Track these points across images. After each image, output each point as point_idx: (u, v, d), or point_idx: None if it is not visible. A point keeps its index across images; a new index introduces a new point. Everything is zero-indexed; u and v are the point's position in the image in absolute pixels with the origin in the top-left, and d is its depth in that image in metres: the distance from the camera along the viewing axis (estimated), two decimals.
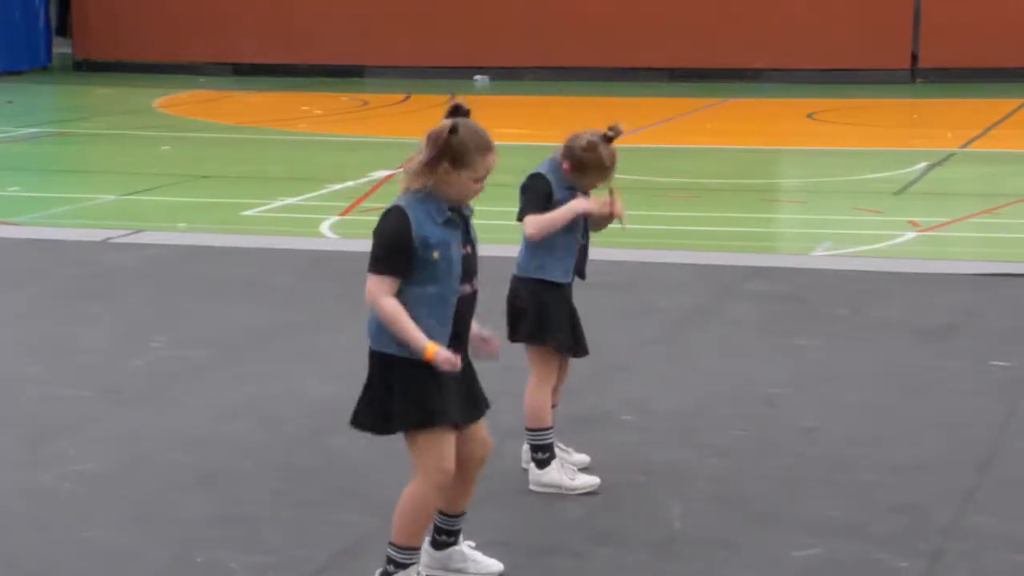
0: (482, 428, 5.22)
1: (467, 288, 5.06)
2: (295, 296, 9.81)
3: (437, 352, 4.93)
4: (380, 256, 4.99)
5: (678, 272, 10.58)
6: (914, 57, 26.49)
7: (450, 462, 5.05)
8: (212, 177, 16.11)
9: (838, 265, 10.94)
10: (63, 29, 31.60)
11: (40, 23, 29.64)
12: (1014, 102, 22.68)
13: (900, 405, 7.41)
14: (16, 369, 8.07)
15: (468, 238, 5.09)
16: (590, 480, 6.19)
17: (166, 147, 18.81)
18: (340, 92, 25.53)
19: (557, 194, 6.16)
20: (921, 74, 26.37)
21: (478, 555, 5.43)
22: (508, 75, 26.32)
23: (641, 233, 12.56)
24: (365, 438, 6.82)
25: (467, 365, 5.13)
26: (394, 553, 5.16)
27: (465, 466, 5.18)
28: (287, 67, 27.84)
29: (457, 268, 5.01)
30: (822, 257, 11.40)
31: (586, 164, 6.12)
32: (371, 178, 15.35)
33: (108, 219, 13.17)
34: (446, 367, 4.93)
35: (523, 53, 26.57)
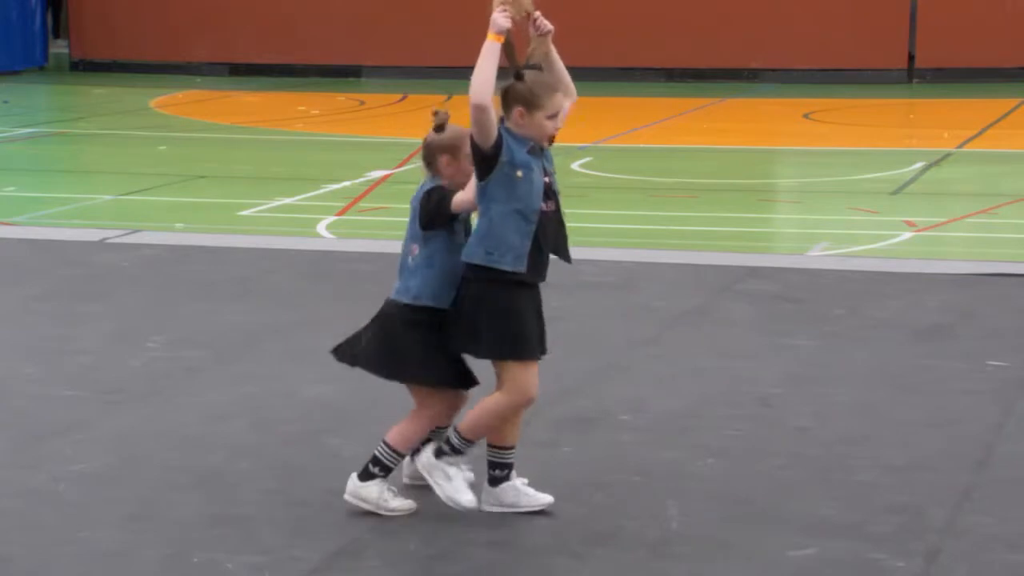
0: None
1: (547, 206, 5.70)
2: (292, 296, 9.81)
3: (493, 20, 5.73)
4: None
5: (674, 272, 10.58)
6: (911, 57, 26.49)
7: (534, 388, 5.71)
8: (209, 177, 16.11)
9: (834, 265, 10.94)
10: (55, 30, 31.56)
11: (36, 23, 29.62)
12: (1011, 102, 22.68)
13: (896, 405, 7.41)
14: (12, 369, 8.06)
15: (547, 170, 5.73)
16: (406, 504, 5.99)
17: (163, 147, 18.81)
18: (337, 92, 25.52)
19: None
20: (918, 74, 26.37)
21: (530, 490, 5.88)
22: (505, 75, 26.26)
23: (638, 233, 12.57)
24: (362, 438, 6.85)
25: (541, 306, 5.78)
26: (456, 439, 5.79)
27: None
28: (284, 67, 27.82)
29: (538, 189, 5.66)
30: (818, 257, 11.41)
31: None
32: (368, 178, 15.34)
33: (105, 219, 13.17)
34: (500, 22, 5.73)
35: (520, 53, 26.53)
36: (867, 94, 24.40)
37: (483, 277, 5.69)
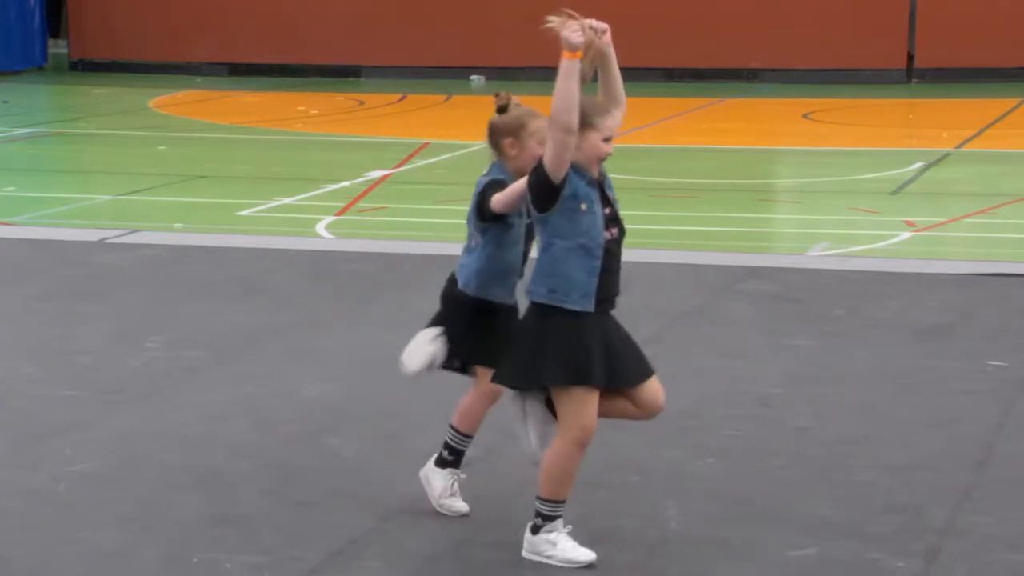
0: (647, 392, 5.56)
1: (611, 234, 5.45)
2: (291, 296, 9.81)
3: (566, 39, 5.29)
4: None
5: (674, 272, 10.58)
6: (910, 57, 26.50)
7: (592, 421, 5.39)
8: (208, 177, 16.11)
9: (834, 265, 10.95)
10: (54, 30, 31.56)
11: (35, 23, 29.63)
12: (1010, 102, 22.69)
13: (896, 405, 7.42)
14: (11, 369, 8.06)
15: (608, 200, 5.48)
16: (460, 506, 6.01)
17: (162, 147, 18.81)
18: (336, 92, 25.52)
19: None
20: (917, 74, 26.38)
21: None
22: (504, 75, 26.28)
23: (637, 233, 12.55)
24: (360, 438, 6.85)
25: (626, 334, 5.57)
26: (541, 506, 5.48)
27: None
28: (283, 67, 27.83)
29: (600, 223, 5.41)
30: (818, 257, 11.41)
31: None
32: (367, 178, 15.33)
33: (104, 219, 13.17)
34: (573, 36, 5.29)
35: (519, 53, 26.53)
36: (866, 94, 24.41)
37: (546, 313, 5.42)
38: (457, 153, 16.88)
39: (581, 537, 5.69)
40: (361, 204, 13.69)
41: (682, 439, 6.84)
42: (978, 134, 19.46)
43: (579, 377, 5.38)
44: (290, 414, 7.22)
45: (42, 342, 8.64)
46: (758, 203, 14.55)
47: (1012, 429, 7.05)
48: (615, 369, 5.47)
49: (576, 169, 5.39)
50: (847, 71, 26.11)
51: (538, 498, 5.50)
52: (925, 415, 7.23)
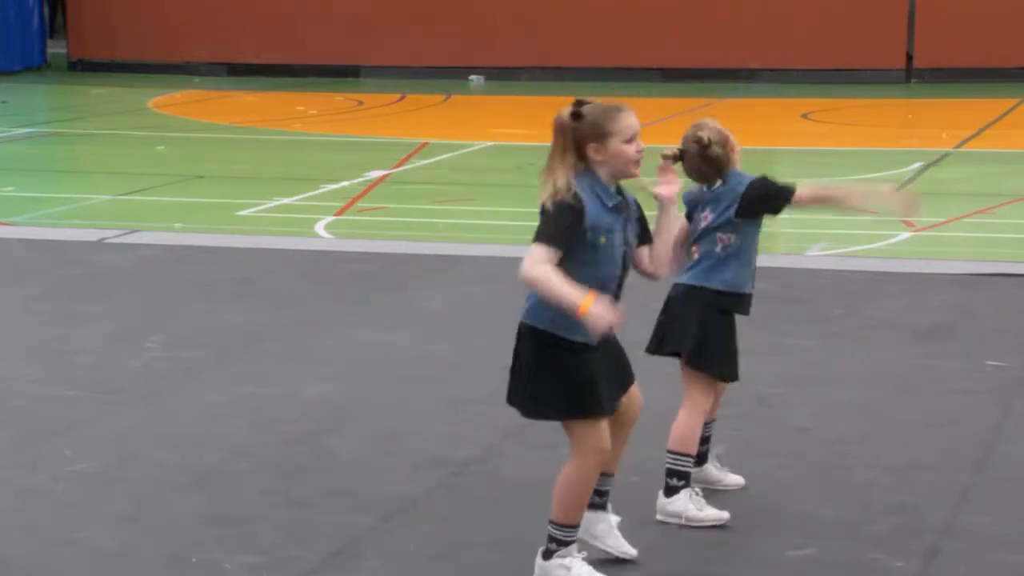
0: (629, 399, 5.43)
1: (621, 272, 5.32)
2: (290, 296, 9.81)
3: (590, 308, 4.96)
4: (550, 231, 5.07)
5: None
6: (909, 57, 26.49)
7: (606, 442, 5.23)
8: (207, 177, 16.10)
9: (834, 265, 10.95)
10: (51, 30, 31.55)
11: (34, 23, 29.62)
12: (1009, 102, 22.68)
13: (895, 405, 7.42)
14: (11, 369, 8.06)
15: (628, 228, 5.30)
16: (718, 514, 5.87)
17: (161, 147, 18.80)
18: (335, 92, 25.51)
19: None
20: (916, 74, 26.37)
21: (618, 536, 5.55)
22: (503, 75, 26.28)
23: None
24: (359, 438, 6.86)
25: (611, 341, 5.34)
26: (554, 531, 5.29)
27: (616, 428, 5.37)
28: (282, 67, 27.81)
29: (619, 255, 5.25)
30: (817, 257, 11.41)
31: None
32: (366, 178, 15.33)
33: (103, 219, 13.16)
34: (599, 324, 4.98)
35: (518, 53, 26.55)
36: (865, 94, 24.40)
37: (547, 342, 5.17)
38: (456, 153, 16.85)
39: (581, 537, 5.69)
40: (360, 204, 13.68)
41: None
42: (977, 134, 19.45)
43: (586, 411, 5.19)
44: (290, 414, 7.23)
45: (42, 342, 8.64)
46: None
47: (1012, 429, 7.05)
48: (611, 390, 5.31)
49: (599, 193, 5.20)
50: (846, 71, 26.10)
51: (551, 522, 5.30)
52: (925, 415, 7.23)
